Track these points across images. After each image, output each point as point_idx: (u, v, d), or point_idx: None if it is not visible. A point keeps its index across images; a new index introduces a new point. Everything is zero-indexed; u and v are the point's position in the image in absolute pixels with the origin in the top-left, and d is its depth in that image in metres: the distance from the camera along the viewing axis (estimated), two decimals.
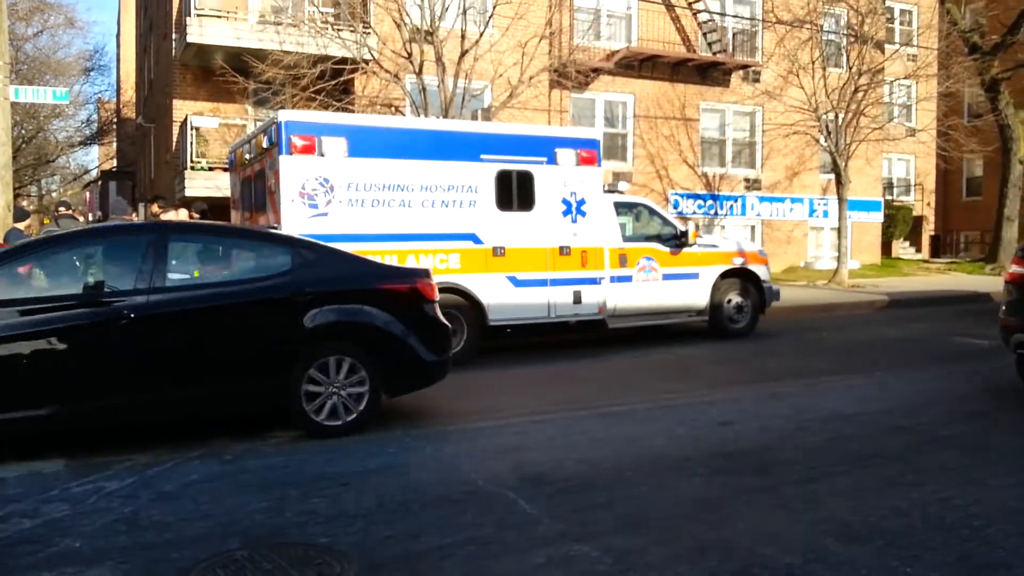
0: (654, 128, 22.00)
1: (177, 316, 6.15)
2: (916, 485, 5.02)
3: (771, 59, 21.51)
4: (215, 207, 14.55)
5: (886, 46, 22.03)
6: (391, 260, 9.55)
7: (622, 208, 11.68)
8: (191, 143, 17.80)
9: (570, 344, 11.75)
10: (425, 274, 7.20)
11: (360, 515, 4.64)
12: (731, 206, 23.02)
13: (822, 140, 20.83)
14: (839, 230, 20.48)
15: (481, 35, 16.00)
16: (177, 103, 19.22)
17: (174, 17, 19.70)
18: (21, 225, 12.46)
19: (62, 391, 5.82)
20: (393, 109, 17.39)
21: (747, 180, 23.33)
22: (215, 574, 3.89)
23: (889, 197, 27.84)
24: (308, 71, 15.50)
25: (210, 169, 17.66)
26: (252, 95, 18.40)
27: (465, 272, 10.03)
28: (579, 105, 21.21)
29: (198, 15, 17.37)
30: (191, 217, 12.50)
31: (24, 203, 17.59)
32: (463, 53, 15.58)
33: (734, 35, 23.25)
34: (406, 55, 15.72)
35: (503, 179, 10.33)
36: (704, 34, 22.44)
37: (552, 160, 10.64)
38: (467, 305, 10.06)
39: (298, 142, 9.23)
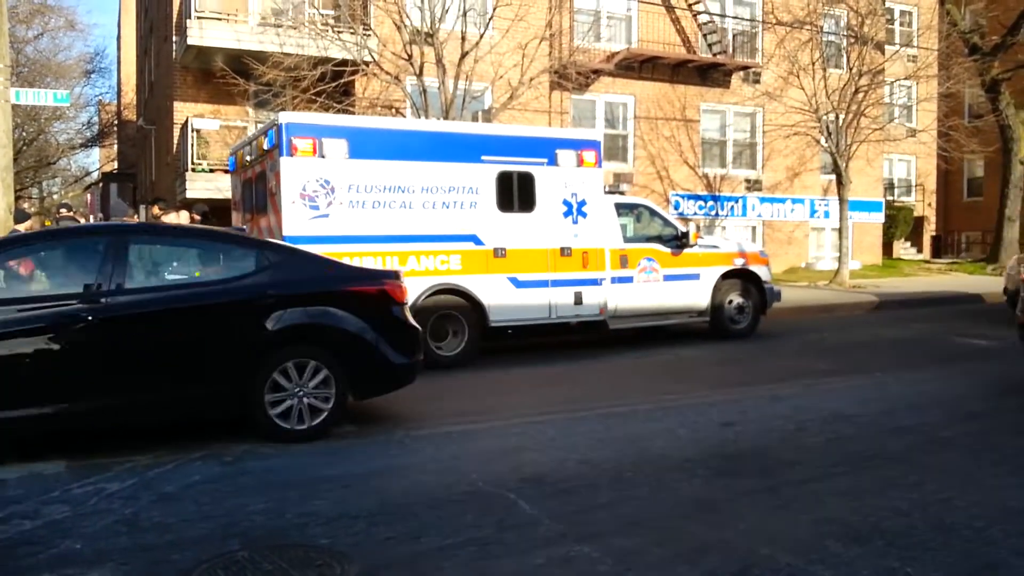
0: (655, 129, 22.00)
1: (137, 319, 6.04)
2: (917, 485, 5.02)
3: (771, 60, 21.51)
4: (216, 209, 14.57)
5: (886, 47, 22.04)
6: (392, 261, 9.58)
7: (623, 209, 11.68)
8: (192, 145, 17.82)
9: (571, 345, 11.75)
10: (395, 276, 7.11)
11: (361, 516, 4.64)
12: (732, 207, 23.02)
13: (823, 141, 20.82)
14: (840, 231, 20.48)
15: (481, 37, 16.01)
16: (178, 105, 19.24)
17: (174, 19, 19.73)
18: (22, 227, 12.46)
19: (18, 395, 5.71)
20: (394, 111, 17.40)
21: (748, 181, 23.33)
22: (216, 575, 3.89)
23: (890, 198, 27.83)
24: (309, 73, 15.51)
25: (211, 171, 17.67)
26: (253, 97, 18.41)
27: (466, 273, 10.04)
28: (579, 106, 21.22)
29: (198, 17, 17.38)
30: (192, 219, 12.52)
31: (25, 205, 17.63)
32: (463, 55, 15.59)
33: (734, 36, 23.25)
34: (406, 57, 15.74)
35: (504, 180, 10.33)
36: (704, 35, 22.44)
37: (553, 161, 10.64)
38: (468, 306, 10.06)
39: (299, 144, 9.24)
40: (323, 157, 9.35)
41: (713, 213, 22.75)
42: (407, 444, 6.33)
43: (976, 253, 29.71)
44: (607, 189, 11.64)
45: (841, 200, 20.27)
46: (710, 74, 22.55)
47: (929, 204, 30.62)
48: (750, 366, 9.88)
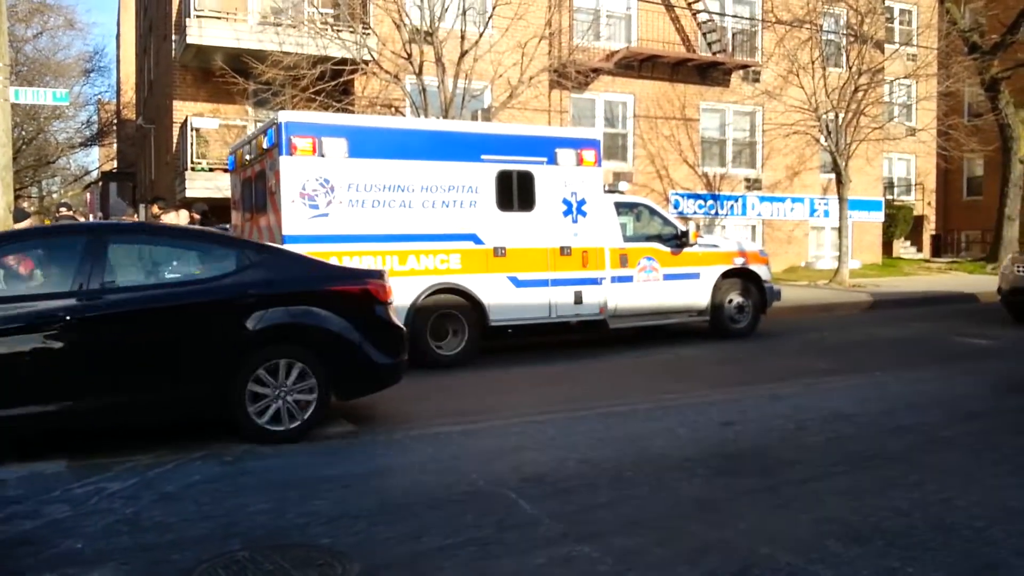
0: (654, 128, 22.00)
1: (115, 319, 5.97)
2: (917, 485, 5.02)
3: (771, 59, 21.51)
4: (216, 208, 14.57)
5: (886, 46, 22.03)
6: (392, 260, 9.58)
7: (623, 208, 11.68)
8: (191, 144, 17.82)
9: (571, 344, 11.75)
10: (378, 275, 7.03)
11: (361, 516, 4.65)
12: (732, 206, 23.02)
13: (822, 140, 20.83)
14: (840, 230, 20.48)
15: (481, 36, 16.01)
16: (177, 104, 19.24)
17: (174, 18, 19.72)
18: (22, 226, 12.45)
19: None
20: (393, 110, 17.40)
21: (747, 180, 23.33)
22: (217, 575, 3.90)
23: (890, 197, 27.84)
24: (308, 72, 15.51)
25: (210, 170, 17.67)
26: (252, 96, 18.41)
27: (466, 272, 10.04)
28: (579, 105, 21.22)
29: (198, 16, 17.38)
30: (192, 218, 12.51)
31: (25, 204, 17.61)
32: (463, 54, 15.58)
33: (734, 35, 23.25)
34: (406, 56, 15.73)
35: (504, 179, 10.33)
36: (704, 34, 22.44)
37: (552, 160, 10.64)
38: (468, 305, 10.06)
39: (298, 143, 9.23)
40: (323, 156, 9.34)
41: (713, 212, 22.75)
42: (407, 444, 6.33)
43: (976, 252, 29.72)
44: (607, 188, 11.64)
45: (841, 199, 20.28)
46: (710, 73, 22.55)
47: (929, 203, 30.63)
48: (750, 365, 9.88)
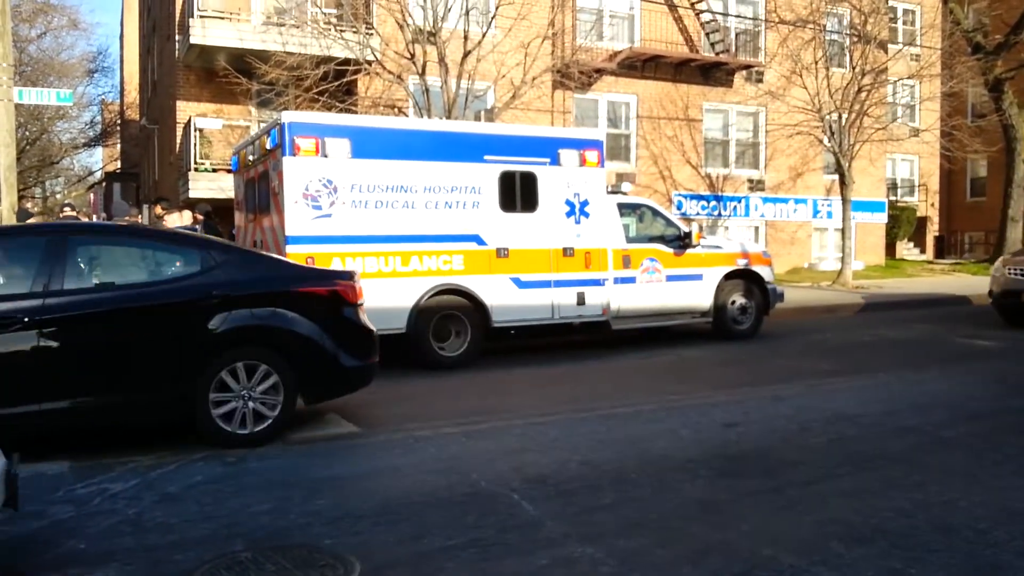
0: (657, 129, 21.99)
1: (76, 320, 5.87)
2: (920, 486, 5.01)
3: (774, 59, 21.49)
4: (219, 208, 14.59)
5: (889, 46, 22.02)
6: (395, 261, 9.59)
7: (625, 209, 11.67)
8: (195, 144, 17.83)
9: (574, 345, 11.75)
10: (348, 276, 6.93)
11: (363, 517, 4.65)
12: (735, 207, 23.01)
13: (825, 140, 20.81)
14: (843, 231, 20.46)
15: (484, 36, 16.02)
16: (180, 104, 19.26)
17: (177, 18, 19.74)
18: None
19: None
20: (396, 110, 17.41)
21: (751, 181, 23.31)
22: (219, 575, 3.90)
23: (893, 198, 27.81)
24: (311, 72, 15.52)
25: (214, 170, 17.68)
26: (255, 96, 18.43)
27: (469, 273, 10.04)
28: (582, 106, 21.22)
29: (201, 16, 17.39)
30: (195, 218, 12.53)
31: (28, 205, 17.66)
32: (466, 54, 15.59)
33: (737, 35, 23.24)
34: (409, 56, 15.75)
35: (506, 180, 10.33)
36: (707, 34, 22.43)
37: (555, 161, 10.64)
38: (471, 306, 10.06)
39: (301, 143, 9.24)
40: (326, 157, 9.35)
41: (716, 213, 22.74)
42: (409, 444, 6.32)
43: (979, 253, 29.67)
44: (610, 189, 11.64)
45: (844, 200, 20.26)
46: (713, 73, 22.54)
47: (932, 204, 30.59)
48: (753, 367, 9.87)
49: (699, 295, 11.80)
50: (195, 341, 6.15)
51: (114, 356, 5.97)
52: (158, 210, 14.23)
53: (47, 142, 40.37)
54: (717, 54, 22.26)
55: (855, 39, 20.70)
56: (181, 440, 6.29)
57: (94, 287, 6.13)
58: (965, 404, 7.39)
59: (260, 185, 10.24)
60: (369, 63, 16.25)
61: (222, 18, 17.66)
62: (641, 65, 21.51)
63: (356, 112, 16.46)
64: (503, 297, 10.23)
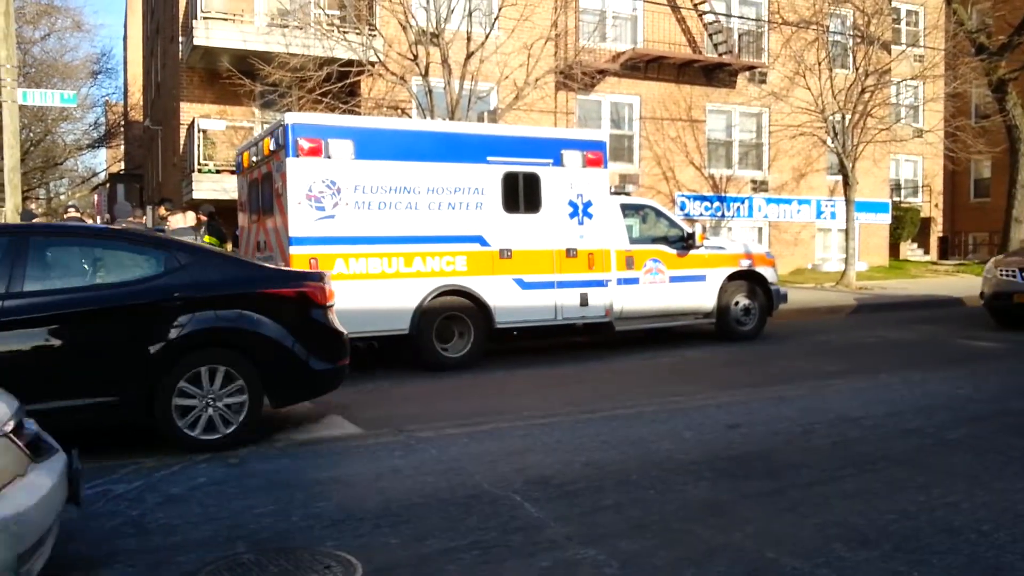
0: (660, 130, 21.98)
1: (35, 323, 5.78)
2: (924, 488, 5.00)
3: (777, 60, 21.47)
4: (222, 209, 14.59)
5: (892, 47, 21.99)
6: (398, 262, 9.59)
7: (628, 210, 11.66)
8: (198, 146, 17.85)
9: (577, 346, 11.74)
10: (317, 278, 6.83)
11: (366, 518, 4.65)
12: (738, 208, 22.99)
13: (829, 141, 20.80)
14: (846, 232, 20.44)
15: (487, 37, 16.03)
16: (184, 106, 19.29)
17: (181, 20, 19.78)
18: None
19: None
20: (399, 111, 17.42)
21: (754, 182, 23.29)
22: None
23: (897, 199, 27.78)
24: (314, 73, 15.55)
25: (217, 172, 17.71)
26: (259, 97, 18.45)
27: (472, 274, 10.03)
28: (585, 107, 21.21)
29: (205, 18, 17.42)
30: (199, 219, 12.54)
31: (32, 206, 17.69)
32: (469, 55, 15.60)
33: (740, 36, 23.22)
34: (412, 57, 15.76)
35: (509, 181, 10.33)
36: (710, 35, 22.43)
37: (558, 162, 10.64)
38: (474, 307, 10.06)
39: (305, 144, 9.24)
40: (329, 158, 9.35)
41: (719, 214, 22.72)
42: (411, 446, 6.32)
43: (983, 254, 29.59)
44: (613, 190, 11.64)
45: (847, 201, 20.24)
46: (716, 74, 22.53)
47: (936, 205, 30.55)
48: (756, 368, 9.86)
49: (702, 296, 11.79)
50: (157, 344, 6.04)
51: (75, 358, 5.88)
52: (161, 211, 14.23)
53: (51, 143, 40.43)
54: (720, 55, 22.25)
55: (858, 40, 20.69)
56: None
57: (55, 289, 6.01)
58: (968, 406, 7.37)
59: (263, 186, 10.25)
60: (372, 64, 16.27)
61: (226, 20, 17.69)
62: (644, 66, 21.50)
63: (359, 113, 16.47)
64: (506, 298, 10.22)
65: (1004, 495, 4.87)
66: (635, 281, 11.28)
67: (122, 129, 46.86)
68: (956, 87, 22.41)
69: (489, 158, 10.22)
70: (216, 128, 18.10)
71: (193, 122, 18.24)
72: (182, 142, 19.56)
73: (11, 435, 3.42)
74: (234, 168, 12.45)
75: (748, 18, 23.30)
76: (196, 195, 17.27)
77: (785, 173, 23.54)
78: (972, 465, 5.51)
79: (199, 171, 17.74)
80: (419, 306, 9.71)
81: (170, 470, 5.68)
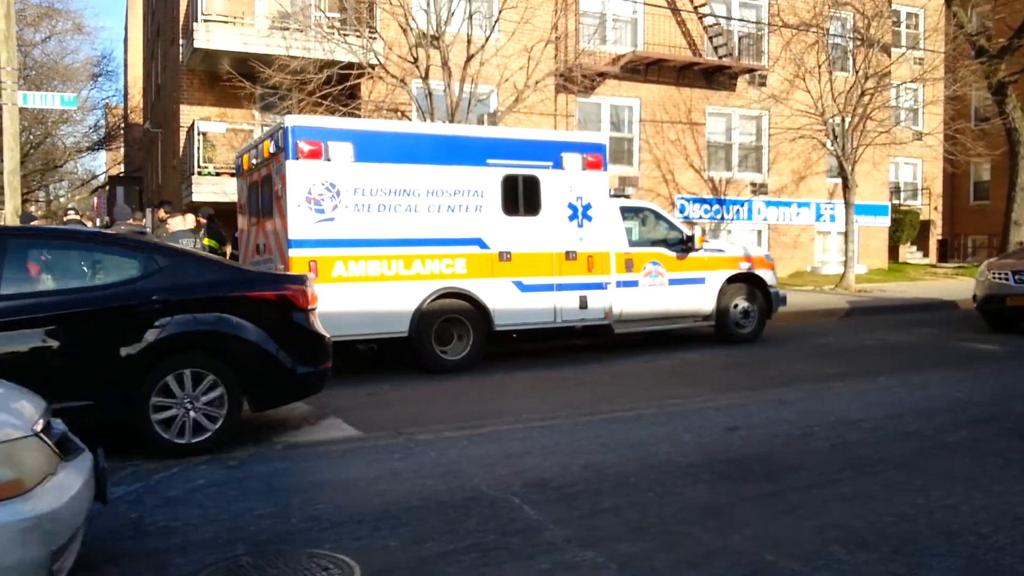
0: (660, 132, 21.99)
1: (8, 326, 5.72)
2: (923, 491, 5.00)
3: (777, 63, 21.48)
4: (222, 212, 14.60)
5: (892, 49, 22.00)
6: (397, 265, 9.59)
7: (628, 213, 11.66)
8: (198, 148, 17.85)
9: (576, 349, 11.74)
10: (299, 281, 6.77)
11: (365, 521, 4.65)
12: (737, 210, 23.00)
13: (829, 144, 20.80)
14: (846, 234, 20.45)
15: (487, 40, 16.03)
16: (184, 108, 19.29)
17: (181, 22, 19.79)
18: None
19: None
20: (399, 114, 17.43)
21: (753, 184, 23.30)
22: None
23: (896, 201, 27.77)
24: (315, 76, 15.55)
25: (217, 174, 17.70)
26: (259, 100, 18.45)
27: (471, 277, 10.04)
28: (585, 109, 21.22)
29: (205, 20, 17.42)
30: (198, 222, 12.54)
31: (32, 208, 17.69)
32: (469, 58, 15.61)
33: (740, 39, 23.24)
34: (412, 60, 15.77)
35: (509, 184, 10.33)
36: (710, 38, 22.44)
37: (558, 164, 10.64)
38: (473, 310, 10.06)
39: (305, 147, 9.25)
40: (329, 160, 9.36)
41: (719, 217, 22.73)
42: (410, 448, 6.32)
43: (983, 257, 29.49)
44: (612, 192, 11.63)
45: (847, 204, 20.24)
46: (716, 77, 22.54)
47: (935, 208, 30.55)
48: (755, 370, 9.86)
49: (702, 299, 11.79)
50: (134, 348, 5.98)
51: (50, 362, 5.83)
52: (161, 213, 14.24)
53: (51, 146, 40.46)
54: (720, 58, 22.26)
55: (858, 43, 20.71)
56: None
57: (29, 292, 5.97)
58: (967, 408, 7.37)
59: (263, 189, 10.26)
60: (372, 67, 16.27)
61: (226, 22, 17.70)
62: (644, 69, 21.51)
63: (359, 116, 16.48)
64: (505, 301, 10.22)
65: (1003, 498, 4.87)
66: (634, 284, 11.28)
67: (122, 132, 46.89)
68: (956, 90, 22.41)
69: (489, 161, 10.23)
70: (216, 131, 18.10)
71: (193, 124, 18.24)
72: (182, 144, 19.57)
73: (41, 434, 3.47)
74: (234, 171, 12.44)
75: (748, 21, 23.32)
76: (196, 197, 17.27)
77: (785, 176, 23.55)
78: (971, 468, 5.52)
79: (199, 173, 17.74)
80: (418, 309, 9.71)
81: (169, 472, 5.68)
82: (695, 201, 22.45)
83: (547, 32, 17.59)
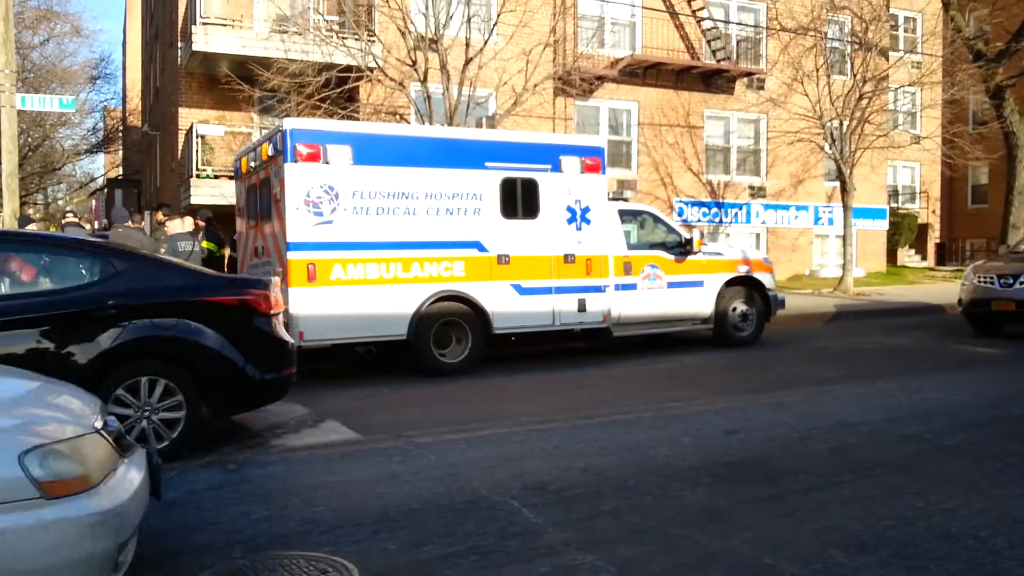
0: (658, 136, 22.02)
1: None
2: (921, 494, 5.00)
3: (775, 66, 21.53)
4: (220, 215, 14.59)
5: (890, 53, 22.04)
6: (396, 268, 9.59)
7: (627, 216, 11.67)
8: (197, 151, 17.85)
9: (575, 352, 11.74)
10: (261, 285, 6.61)
11: (363, 524, 4.64)
12: (736, 214, 23.02)
13: (827, 148, 20.83)
14: (844, 238, 20.47)
15: (485, 43, 16.06)
16: (183, 111, 19.30)
17: (180, 25, 19.79)
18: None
19: None
20: (398, 117, 17.44)
21: (752, 188, 23.33)
22: None
23: (894, 205, 27.81)
24: (313, 79, 15.56)
25: (215, 177, 17.70)
26: (258, 103, 18.47)
27: (470, 280, 10.03)
28: (583, 113, 21.24)
29: (204, 23, 17.43)
30: (196, 225, 12.54)
31: (30, 211, 17.67)
32: (467, 61, 15.62)
33: (738, 42, 23.27)
34: (411, 63, 15.78)
35: (508, 187, 10.34)
36: (708, 42, 22.48)
37: (556, 168, 10.65)
38: (472, 313, 10.05)
39: (303, 150, 9.25)
40: (327, 163, 9.36)
41: (717, 220, 22.75)
42: (409, 451, 6.32)
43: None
44: (611, 196, 11.65)
45: (845, 207, 20.26)
46: (714, 80, 22.57)
47: (933, 211, 30.59)
48: (754, 374, 9.86)
49: (700, 302, 11.80)
50: (90, 354, 5.85)
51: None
52: (159, 216, 14.24)
53: (49, 148, 40.42)
54: (718, 61, 22.29)
55: (856, 46, 20.74)
56: (182, 446, 6.28)
57: None
58: (965, 411, 7.38)
59: (262, 192, 10.26)
60: (371, 70, 16.29)
61: (225, 25, 17.71)
62: (642, 72, 21.54)
63: (358, 119, 16.49)
64: (504, 304, 10.22)
65: (1002, 501, 4.87)
66: (633, 287, 11.28)
67: (120, 134, 46.89)
68: (954, 93, 22.44)
69: (487, 164, 10.24)
70: (215, 133, 18.10)
71: (192, 127, 18.25)
72: (180, 147, 19.56)
73: (101, 431, 3.54)
74: (232, 173, 12.44)
75: (746, 24, 23.36)
76: (194, 200, 17.27)
77: (783, 179, 23.58)
78: (970, 471, 5.52)
79: (197, 176, 17.74)
80: (417, 311, 9.71)
81: (168, 475, 5.65)
82: (693, 204, 22.47)
83: (545, 35, 17.60)
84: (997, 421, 7.03)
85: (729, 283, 11.97)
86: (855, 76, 19.86)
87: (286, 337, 6.76)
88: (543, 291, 10.48)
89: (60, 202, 50.65)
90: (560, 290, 10.58)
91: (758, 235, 23.51)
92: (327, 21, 17.55)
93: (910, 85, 22.68)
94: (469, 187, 10.08)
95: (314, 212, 9.29)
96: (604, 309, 10.89)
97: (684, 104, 22.23)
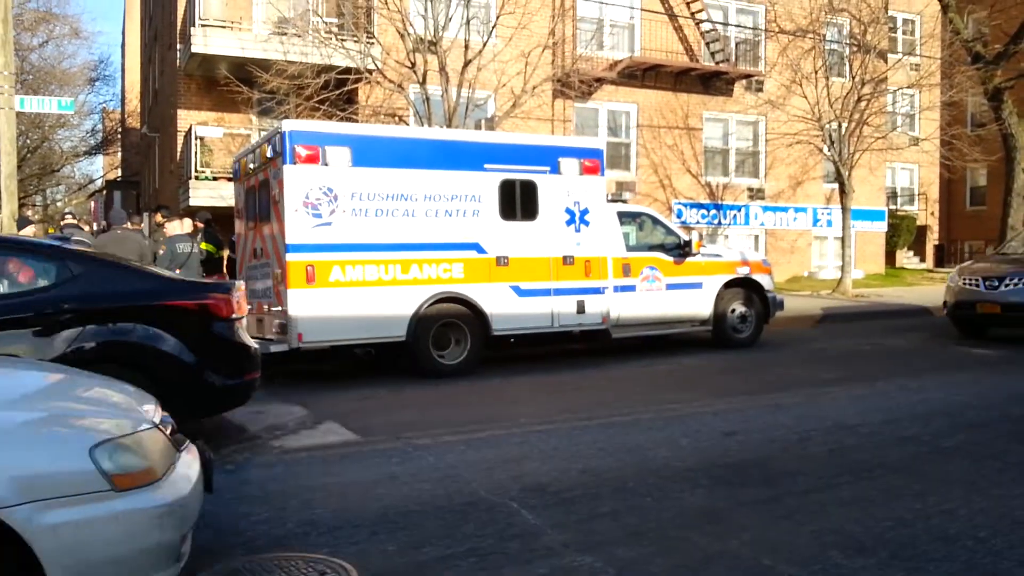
0: (657, 138, 22.03)
1: None
2: (920, 495, 5.00)
3: (774, 68, 21.55)
4: (219, 217, 14.59)
5: (889, 55, 22.06)
6: (395, 269, 9.59)
7: (625, 217, 11.68)
8: (195, 153, 17.86)
9: (573, 354, 11.74)
10: (222, 290, 6.52)
11: (362, 525, 4.64)
12: (734, 216, 23.04)
13: (825, 150, 20.85)
14: (843, 240, 20.48)
15: (484, 45, 16.06)
16: (181, 113, 19.30)
17: (179, 27, 19.81)
18: (25, 234, 12.48)
19: None
20: (397, 119, 17.44)
21: (750, 190, 23.34)
22: None
23: (893, 207, 27.83)
24: (312, 81, 15.57)
25: (214, 179, 17.71)
26: (256, 105, 18.47)
27: (469, 282, 10.03)
28: (582, 115, 21.26)
29: (203, 25, 17.45)
30: (195, 226, 12.54)
31: (29, 213, 17.66)
32: (466, 63, 15.63)
33: (737, 45, 23.30)
34: (410, 65, 15.79)
35: (506, 188, 10.34)
36: (707, 44, 22.50)
37: (555, 170, 10.65)
38: (471, 315, 10.05)
39: (302, 152, 9.25)
40: (326, 165, 9.36)
41: (716, 222, 22.77)
42: (408, 452, 6.31)
43: None
44: (610, 198, 11.65)
45: (844, 209, 20.28)
46: (713, 82, 22.59)
47: (932, 213, 30.61)
48: (752, 375, 9.86)
49: (699, 304, 11.80)
50: (45, 358, 5.67)
51: None
52: (158, 218, 14.25)
53: (48, 150, 40.45)
54: (717, 63, 22.31)
55: (855, 49, 20.75)
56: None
57: None
58: (964, 412, 7.38)
59: (260, 193, 10.25)
60: (370, 72, 16.30)
61: (223, 27, 17.72)
62: (641, 74, 21.56)
63: (357, 121, 16.49)
64: (503, 305, 10.22)
65: (1001, 501, 4.87)
66: (632, 288, 11.28)
67: (119, 136, 46.90)
68: (952, 96, 22.48)
69: (486, 166, 10.24)
70: (213, 135, 18.11)
71: (190, 129, 18.26)
72: (179, 149, 19.57)
73: (159, 426, 3.65)
74: (231, 175, 12.44)
75: (745, 27, 23.39)
76: (193, 202, 17.27)
77: (782, 181, 23.60)
78: (969, 472, 5.52)
79: (196, 178, 17.75)
80: (416, 313, 9.71)
81: None
82: (692, 206, 22.48)
83: (544, 37, 17.62)
84: (996, 421, 7.03)
85: (728, 285, 11.98)
86: (854, 78, 19.88)
87: (249, 342, 6.65)
88: (542, 293, 10.48)
89: (59, 204, 50.66)
90: (559, 292, 10.58)
91: (757, 237, 23.53)
92: (326, 23, 17.56)
93: (909, 87, 22.70)
94: (468, 189, 10.09)
95: (313, 214, 9.28)
96: (603, 311, 10.89)
97: (683, 106, 22.25)
